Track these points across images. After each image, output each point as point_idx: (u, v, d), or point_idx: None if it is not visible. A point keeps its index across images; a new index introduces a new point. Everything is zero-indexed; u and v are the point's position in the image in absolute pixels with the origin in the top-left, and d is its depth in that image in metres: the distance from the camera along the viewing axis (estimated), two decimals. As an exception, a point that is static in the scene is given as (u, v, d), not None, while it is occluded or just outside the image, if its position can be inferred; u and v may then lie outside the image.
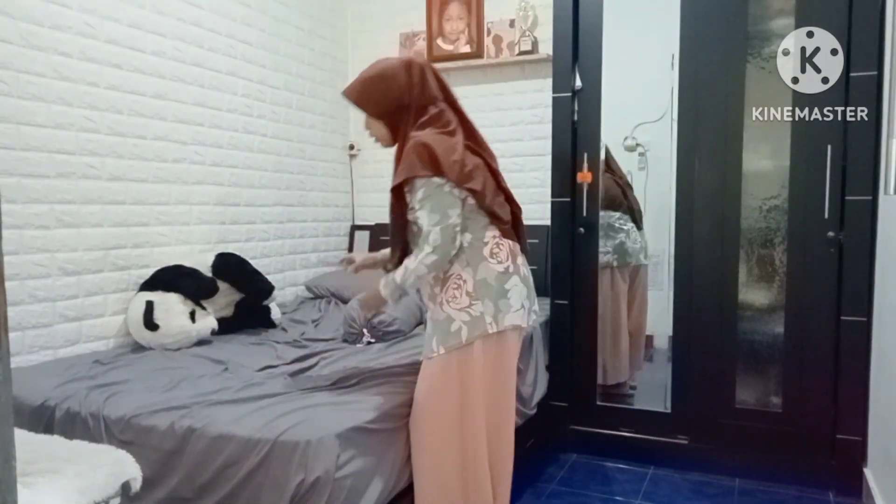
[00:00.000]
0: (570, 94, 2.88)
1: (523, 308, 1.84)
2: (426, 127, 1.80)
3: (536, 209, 3.25)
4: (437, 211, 1.74)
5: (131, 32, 2.51)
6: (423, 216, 1.75)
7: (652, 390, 3.27)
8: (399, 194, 1.81)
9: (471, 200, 1.80)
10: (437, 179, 1.73)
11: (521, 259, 1.89)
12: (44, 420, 1.79)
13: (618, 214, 3.20)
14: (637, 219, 3.28)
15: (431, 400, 1.80)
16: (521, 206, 1.96)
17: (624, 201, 3.23)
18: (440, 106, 1.86)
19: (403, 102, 1.82)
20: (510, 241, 1.86)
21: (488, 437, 1.84)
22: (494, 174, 1.89)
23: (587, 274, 2.95)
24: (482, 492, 1.81)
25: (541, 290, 3.21)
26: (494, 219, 1.84)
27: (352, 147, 3.85)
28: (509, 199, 1.92)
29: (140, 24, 2.54)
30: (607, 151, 3.12)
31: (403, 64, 1.84)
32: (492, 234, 1.83)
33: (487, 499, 1.82)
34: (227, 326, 2.62)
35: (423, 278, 1.81)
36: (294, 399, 1.78)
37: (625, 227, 3.22)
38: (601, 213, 2.99)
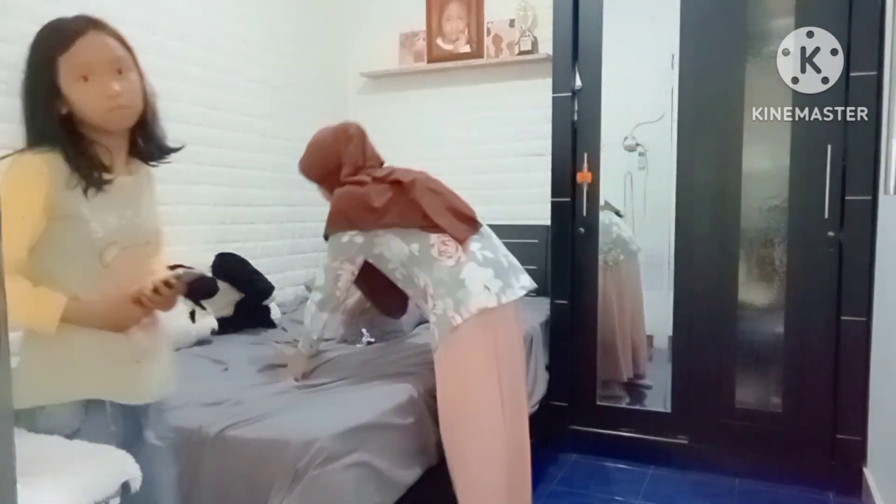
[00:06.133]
0: (570, 94, 2.88)
1: (487, 290, 1.86)
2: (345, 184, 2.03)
3: (536, 209, 3.25)
4: (328, 257, 2.01)
5: (132, 32, 2.50)
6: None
7: (652, 390, 3.27)
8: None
9: (394, 228, 1.94)
10: (339, 233, 1.97)
11: (475, 245, 1.94)
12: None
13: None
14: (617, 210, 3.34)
15: (443, 393, 1.89)
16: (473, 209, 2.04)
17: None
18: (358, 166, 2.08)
19: (332, 166, 2.07)
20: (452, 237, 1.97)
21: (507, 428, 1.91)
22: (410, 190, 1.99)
23: (587, 274, 2.95)
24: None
25: (541, 290, 3.23)
26: (429, 226, 1.94)
27: (352, 147, 3.85)
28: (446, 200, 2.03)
29: (140, 24, 2.54)
30: None
31: (334, 131, 2.12)
32: (436, 236, 1.92)
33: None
34: (226, 326, 2.62)
35: (316, 318, 2.01)
36: (295, 399, 1.78)
37: (613, 220, 3.26)
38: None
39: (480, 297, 1.84)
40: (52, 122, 1.18)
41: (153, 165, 1.36)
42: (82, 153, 1.19)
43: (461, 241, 1.93)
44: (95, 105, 1.18)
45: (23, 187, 1.15)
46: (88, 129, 1.21)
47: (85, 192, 1.17)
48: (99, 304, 1.22)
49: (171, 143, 1.35)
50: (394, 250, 1.95)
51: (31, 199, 1.14)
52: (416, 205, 1.94)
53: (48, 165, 1.15)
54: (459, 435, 1.86)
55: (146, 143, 1.32)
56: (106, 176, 1.21)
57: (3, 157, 1.17)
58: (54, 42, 1.20)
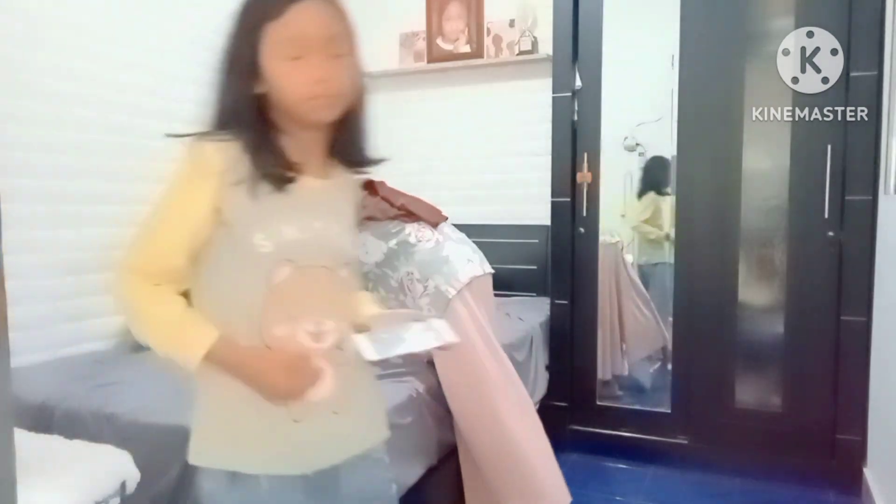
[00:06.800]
0: (570, 94, 2.88)
1: (471, 262, 2.07)
2: None
3: (536, 209, 3.24)
4: None
5: (133, 31, 2.51)
6: None
7: (652, 390, 3.27)
8: None
9: (371, 227, 2.08)
10: None
11: (447, 229, 2.16)
12: (44, 420, 1.78)
13: None
14: None
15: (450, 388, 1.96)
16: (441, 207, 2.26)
17: None
18: None
19: None
20: (427, 223, 2.14)
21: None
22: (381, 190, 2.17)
23: (587, 274, 2.95)
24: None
25: (541, 290, 3.24)
26: (405, 215, 2.09)
27: (352, 147, 3.86)
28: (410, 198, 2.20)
29: (142, 24, 2.54)
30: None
31: None
32: (411, 226, 2.09)
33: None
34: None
35: None
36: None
37: None
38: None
39: (466, 268, 2.03)
40: (243, 102, 0.98)
41: (357, 172, 1.10)
42: (267, 145, 0.96)
43: (435, 225, 2.10)
44: (298, 90, 0.94)
45: (191, 182, 0.96)
46: (281, 117, 0.98)
47: (253, 192, 0.93)
48: (255, 361, 0.93)
49: (373, 153, 1.08)
50: (370, 252, 2.04)
51: (198, 196, 0.93)
52: (389, 200, 2.10)
53: (224, 157, 0.94)
54: (499, 408, 1.91)
55: (346, 144, 1.05)
56: (290, 174, 0.96)
57: (181, 137, 0.98)
58: (264, 7, 0.97)
